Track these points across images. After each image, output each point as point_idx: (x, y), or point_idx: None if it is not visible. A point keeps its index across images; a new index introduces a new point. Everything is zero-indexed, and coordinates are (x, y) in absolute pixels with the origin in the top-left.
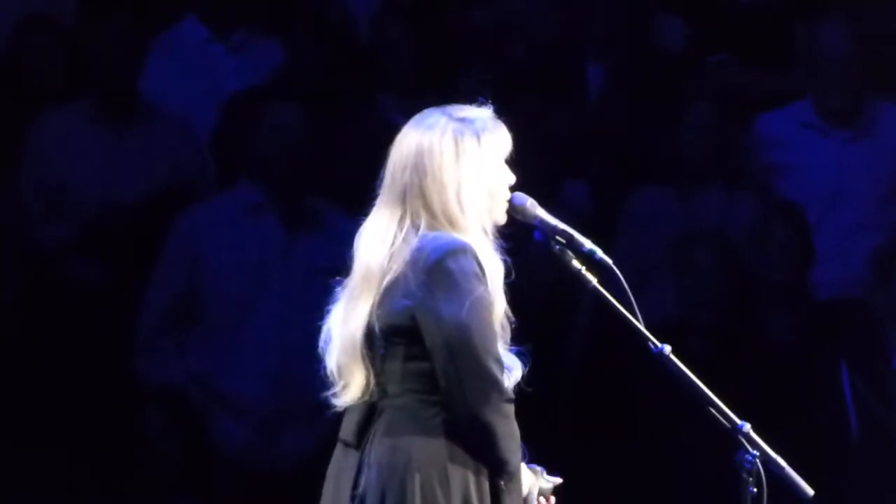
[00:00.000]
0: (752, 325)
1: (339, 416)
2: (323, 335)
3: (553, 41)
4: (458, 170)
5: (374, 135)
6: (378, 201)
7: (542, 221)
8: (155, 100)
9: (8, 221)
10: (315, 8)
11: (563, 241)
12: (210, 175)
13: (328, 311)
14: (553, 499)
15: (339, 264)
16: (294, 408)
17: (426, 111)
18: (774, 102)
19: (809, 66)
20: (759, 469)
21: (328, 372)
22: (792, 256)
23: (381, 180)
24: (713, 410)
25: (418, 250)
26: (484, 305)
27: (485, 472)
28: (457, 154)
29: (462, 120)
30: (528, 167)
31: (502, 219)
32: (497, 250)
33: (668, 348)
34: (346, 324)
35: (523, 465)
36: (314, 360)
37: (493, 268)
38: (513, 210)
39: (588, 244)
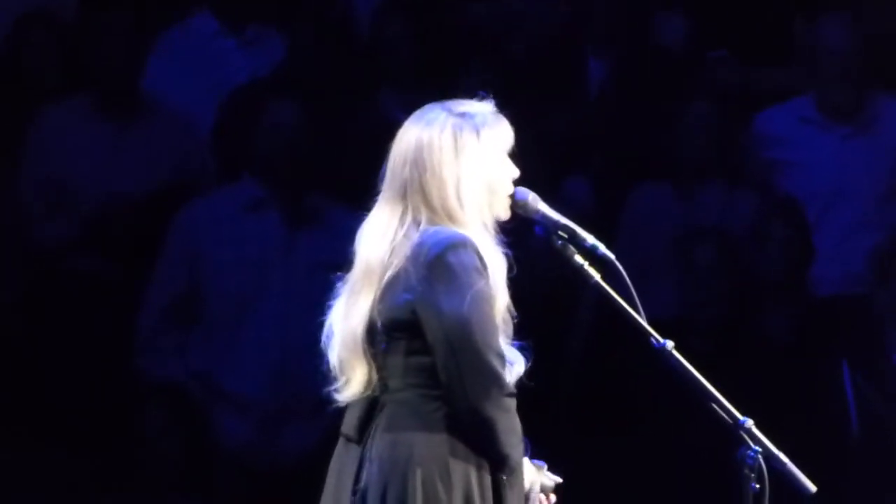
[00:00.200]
0: (752, 322)
1: (341, 412)
2: (325, 331)
3: (554, 38)
4: (458, 165)
5: (375, 131)
6: (380, 197)
7: (545, 216)
8: (164, 95)
9: (8, 218)
10: (316, 4)
11: (566, 236)
12: (211, 171)
13: (329, 307)
14: (553, 497)
15: (341, 260)
16: (295, 405)
17: (427, 106)
18: (775, 99)
19: (810, 62)
20: (761, 465)
21: (330, 367)
22: (792, 254)
23: (383, 176)
24: (715, 406)
25: (419, 245)
26: (485, 299)
27: (486, 466)
28: (456, 149)
29: (462, 115)
30: (528, 164)
31: (505, 214)
32: (498, 244)
33: (670, 344)
34: (346, 319)
35: (525, 460)
36: (315, 357)
37: (495, 262)
38: (515, 205)
39: (590, 239)
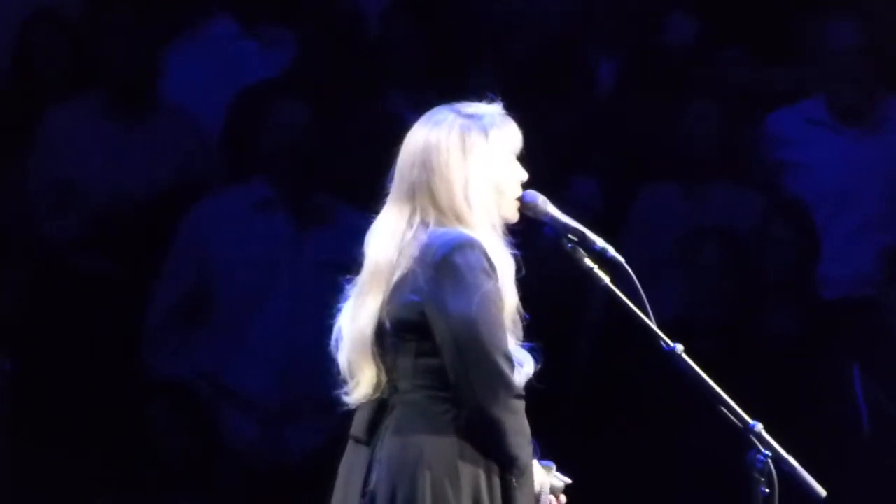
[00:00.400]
0: (758, 322)
1: (348, 411)
2: (333, 334)
3: (561, 37)
4: (466, 166)
5: (383, 131)
6: (388, 199)
7: (554, 219)
8: (185, 97)
9: (16, 217)
10: (323, 5)
11: (575, 238)
12: (220, 171)
13: (338, 309)
14: (563, 498)
15: (348, 260)
16: (302, 403)
17: (436, 109)
18: (784, 99)
19: (820, 62)
20: (770, 469)
21: (340, 370)
22: (798, 255)
23: (391, 178)
24: (725, 410)
25: (427, 246)
26: (493, 300)
27: (495, 468)
28: (464, 150)
29: (470, 116)
30: (536, 163)
31: (514, 216)
32: (506, 245)
33: (679, 347)
34: (355, 321)
35: (535, 462)
36: (322, 357)
37: (503, 263)
38: (524, 207)
39: (600, 242)
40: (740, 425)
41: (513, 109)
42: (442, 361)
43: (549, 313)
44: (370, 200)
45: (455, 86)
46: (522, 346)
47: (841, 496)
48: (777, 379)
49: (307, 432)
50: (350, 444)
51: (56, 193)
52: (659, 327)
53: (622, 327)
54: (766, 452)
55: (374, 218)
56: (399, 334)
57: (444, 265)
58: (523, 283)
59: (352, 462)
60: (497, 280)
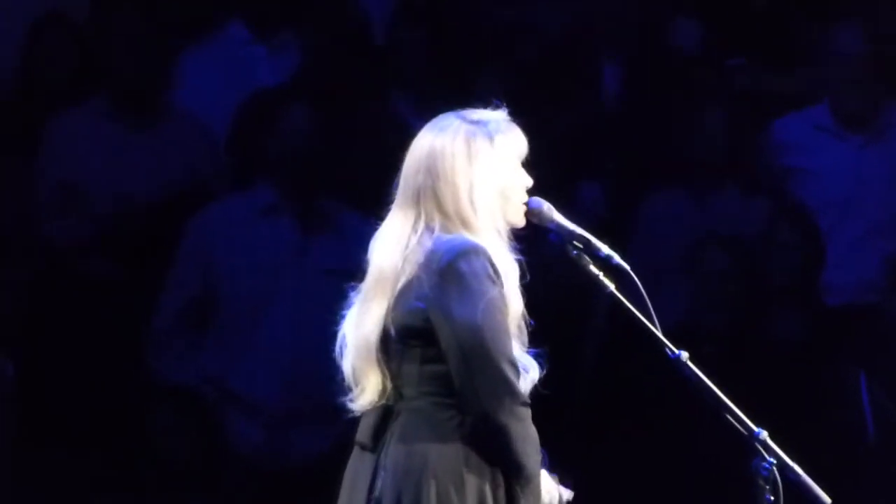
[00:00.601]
0: (765, 328)
1: (353, 417)
2: (338, 340)
3: (568, 42)
4: (471, 171)
5: (389, 136)
6: (393, 205)
7: (559, 226)
8: (191, 100)
9: (21, 219)
10: (330, 9)
11: (581, 245)
12: (225, 176)
13: (342, 316)
14: None
15: (353, 266)
16: (307, 409)
17: (441, 115)
18: (790, 106)
19: (825, 69)
20: (775, 476)
21: (344, 377)
22: (805, 260)
23: (396, 184)
24: (730, 417)
25: (431, 252)
26: (497, 307)
27: (501, 477)
28: (469, 155)
29: (476, 122)
30: (541, 169)
31: (519, 222)
32: (512, 252)
33: (685, 355)
34: (359, 327)
35: (545, 473)
36: (327, 362)
37: (508, 269)
38: (529, 214)
39: (605, 249)
40: (745, 433)
41: (518, 114)
42: (447, 368)
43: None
44: (376, 206)
45: (461, 91)
46: (528, 352)
47: (845, 501)
48: (782, 385)
49: (312, 437)
50: (355, 451)
51: (61, 196)
52: (664, 334)
53: (627, 333)
54: (772, 460)
55: (379, 224)
56: (404, 341)
57: (449, 271)
58: (529, 290)
59: (357, 468)
60: (502, 286)
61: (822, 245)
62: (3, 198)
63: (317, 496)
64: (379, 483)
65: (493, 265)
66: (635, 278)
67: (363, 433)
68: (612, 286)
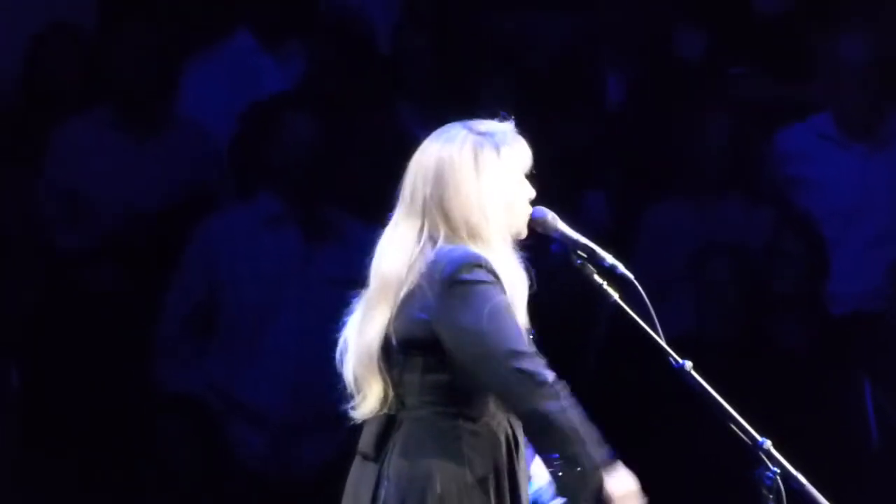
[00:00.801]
0: (769, 338)
1: (356, 426)
2: (339, 346)
3: (572, 52)
4: (478, 182)
5: (394, 145)
6: (396, 213)
7: (563, 235)
8: (197, 109)
9: (27, 228)
10: (335, 18)
11: (584, 255)
12: (230, 185)
13: (345, 323)
14: None
15: (357, 275)
16: (311, 418)
17: (447, 125)
18: (794, 115)
19: (829, 78)
20: (779, 486)
21: (346, 383)
22: (809, 269)
23: (400, 192)
24: (734, 427)
25: (434, 263)
26: (502, 310)
27: (506, 484)
28: (476, 167)
29: (482, 133)
30: (546, 178)
31: (523, 232)
32: (520, 263)
33: (689, 364)
34: (361, 335)
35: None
36: (332, 371)
37: (515, 279)
38: (533, 223)
39: (609, 259)
40: (749, 442)
41: (523, 124)
42: (449, 377)
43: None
44: (380, 215)
45: (466, 101)
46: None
47: None
48: (787, 394)
49: (317, 446)
50: (357, 460)
51: (66, 205)
52: (668, 343)
53: (629, 341)
54: (775, 469)
55: (382, 233)
56: (406, 350)
57: (452, 282)
58: (532, 299)
59: (358, 478)
60: (505, 293)
61: (827, 254)
62: (9, 206)
63: None
64: (382, 493)
65: (495, 275)
66: (639, 287)
67: (365, 443)
68: (616, 295)
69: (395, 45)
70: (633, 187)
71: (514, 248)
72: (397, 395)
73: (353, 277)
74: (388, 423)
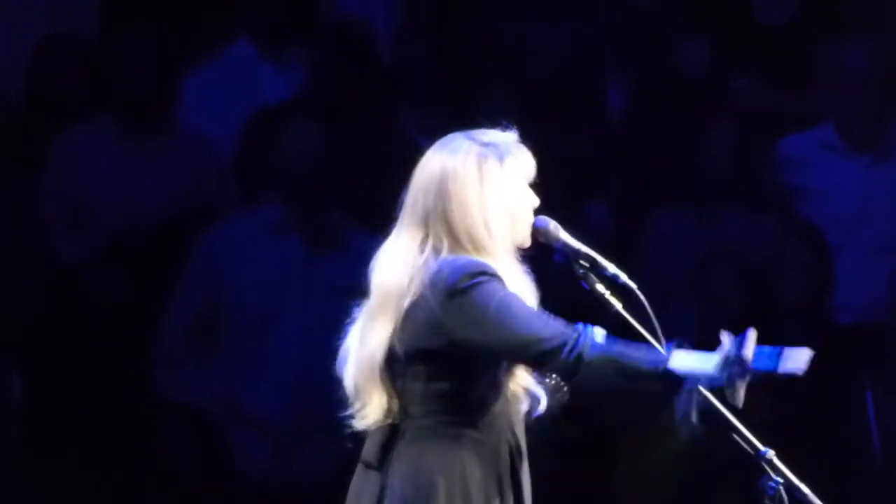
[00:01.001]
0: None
1: (358, 433)
2: (339, 355)
3: (574, 62)
4: (482, 194)
5: (396, 153)
6: (398, 224)
7: (566, 245)
8: (202, 120)
9: (30, 237)
10: (337, 26)
11: (587, 264)
12: (232, 193)
13: (347, 331)
14: None
15: (360, 282)
16: (314, 426)
17: (450, 136)
18: (797, 124)
19: (832, 88)
20: (782, 496)
21: (346, 391)
22: (813, 279)
23: (402, 203)
24: (737, 437)
25: (437, 273)
26: (509, 301)
27: (509, 493)
28: (480, 178)
29: (486, 144)
30: (548, 188)
31: (526, 242)
32: (525, 273)
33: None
34: (363, 346)
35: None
36: (334, 379)
37: (520, 290)
38: (536, 233)
39: (612, 268)
40: (752, 452)
41: (525, 134)
42: (452, 386)
43: None
44: (382, 222)
45: (468, 109)
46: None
47: None
48: (790, 404)
49: (319, 454)
50: (359, 469)
51: (69, 214)
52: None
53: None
54: (778, 479)
55: (384, 241)
56: (412, 360)
57: (457, 290)
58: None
59: (361, 487)
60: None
61: (831, 263)
62: (12, 215)
63: None
64: (386, 502)
65: (499, 279)
66: (642, 297)
67: (369, 452)
68: (618, 305)
69: (396, 52)
70: (636, 196)
71: (517, 257)
72: (400, 405)
73: (356, 285)
74: (391, 433)
